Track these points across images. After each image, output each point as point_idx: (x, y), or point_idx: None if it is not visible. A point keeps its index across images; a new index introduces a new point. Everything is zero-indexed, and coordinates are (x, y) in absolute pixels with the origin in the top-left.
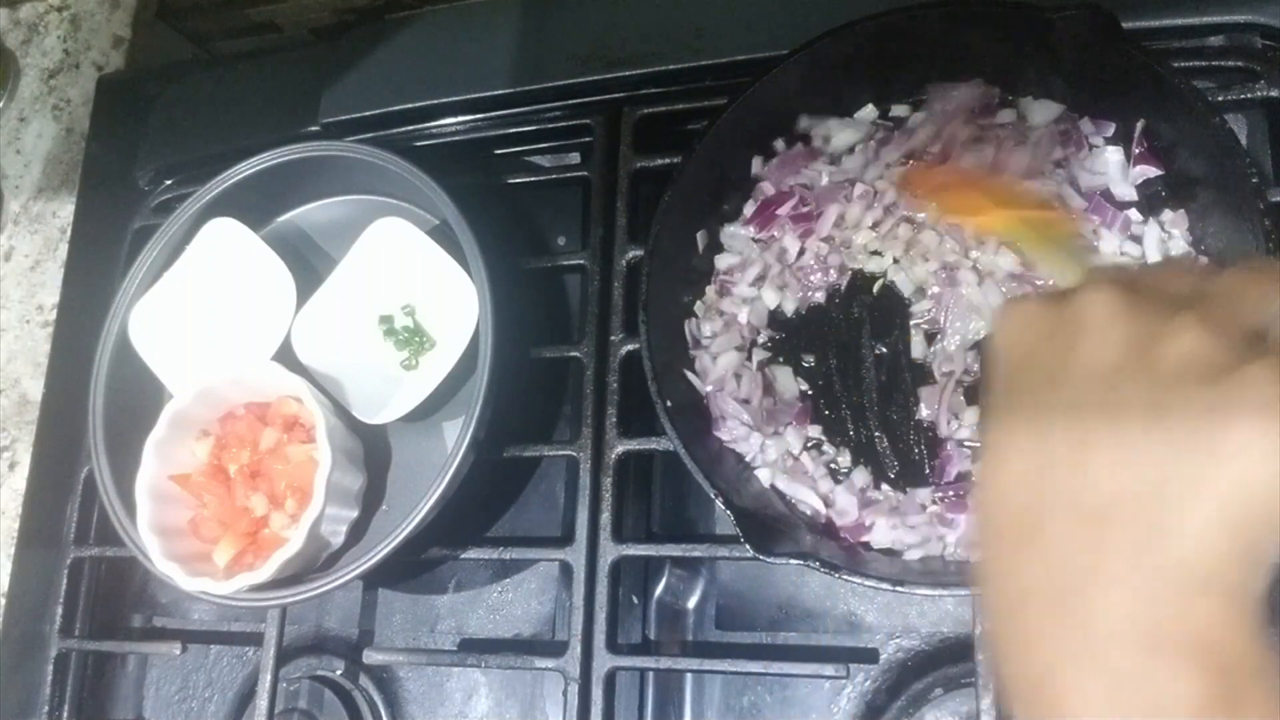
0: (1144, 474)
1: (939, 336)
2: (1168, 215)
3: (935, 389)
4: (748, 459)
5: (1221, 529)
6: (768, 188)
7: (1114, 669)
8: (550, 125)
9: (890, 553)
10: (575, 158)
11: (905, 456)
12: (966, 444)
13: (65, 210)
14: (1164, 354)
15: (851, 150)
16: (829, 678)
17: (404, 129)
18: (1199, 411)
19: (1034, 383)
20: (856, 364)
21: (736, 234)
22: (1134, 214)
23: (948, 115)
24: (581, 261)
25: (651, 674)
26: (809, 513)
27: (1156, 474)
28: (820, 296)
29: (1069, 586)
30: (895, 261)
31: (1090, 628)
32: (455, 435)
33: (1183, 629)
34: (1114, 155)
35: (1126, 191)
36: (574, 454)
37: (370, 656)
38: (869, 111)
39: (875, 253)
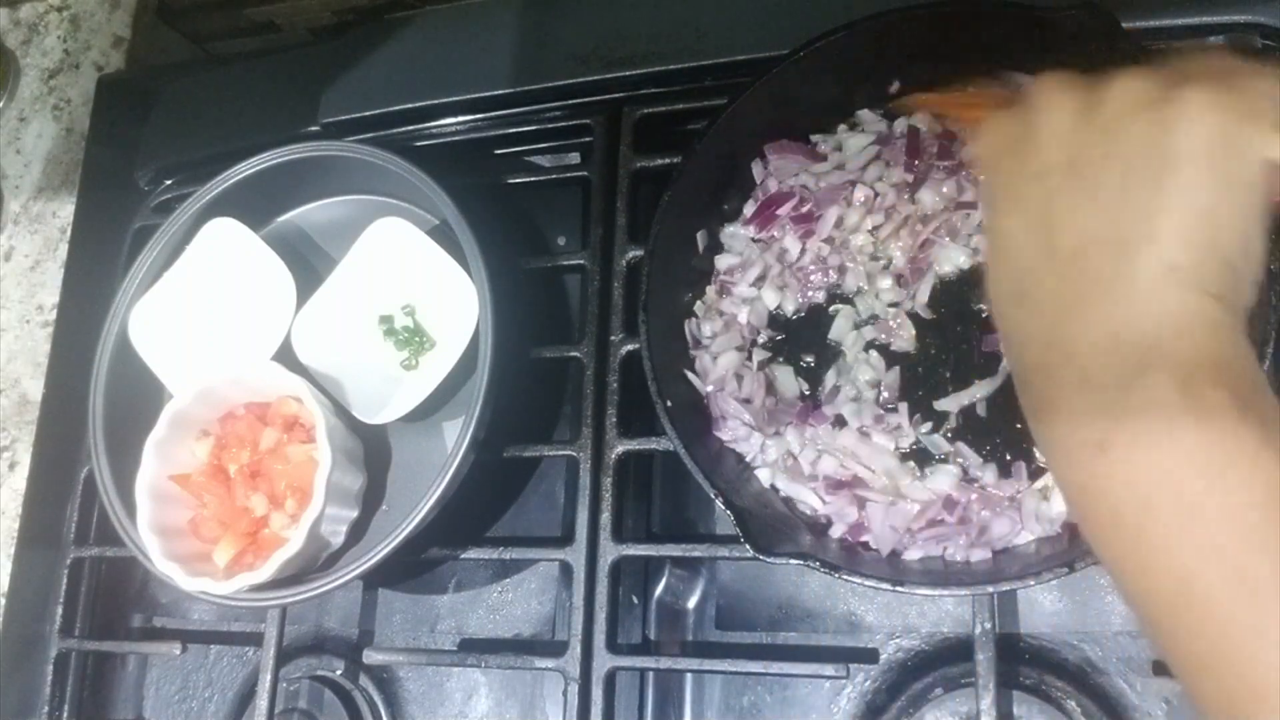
0: (1109, 201)
1: None
2: None
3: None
4: (748, 459)
5: (1188, 231)
6: (771, 183)
7: (1103, 387)
8: (550, 125)
9: (889, 553)
10: (575, 158)
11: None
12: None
13: (65, 210)
14: (1105, 99)
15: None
16: (829, 678)
17: (404, 129)
18: (1145, 133)
19: (1010, 168)
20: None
21: (736, 234)
22: None
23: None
24: (581, 261)
25: (651, 674)
26: (809, 513)
27: (1120, 198)
28: (820, 296)
29: (1055, 328)
30: (858, 291)
31: (1078, 356)
32: (455, 435)
33: (1173, 340)
34: None
35: None
36: (574, 454)
37: (370, 656)
38: (869, 115)
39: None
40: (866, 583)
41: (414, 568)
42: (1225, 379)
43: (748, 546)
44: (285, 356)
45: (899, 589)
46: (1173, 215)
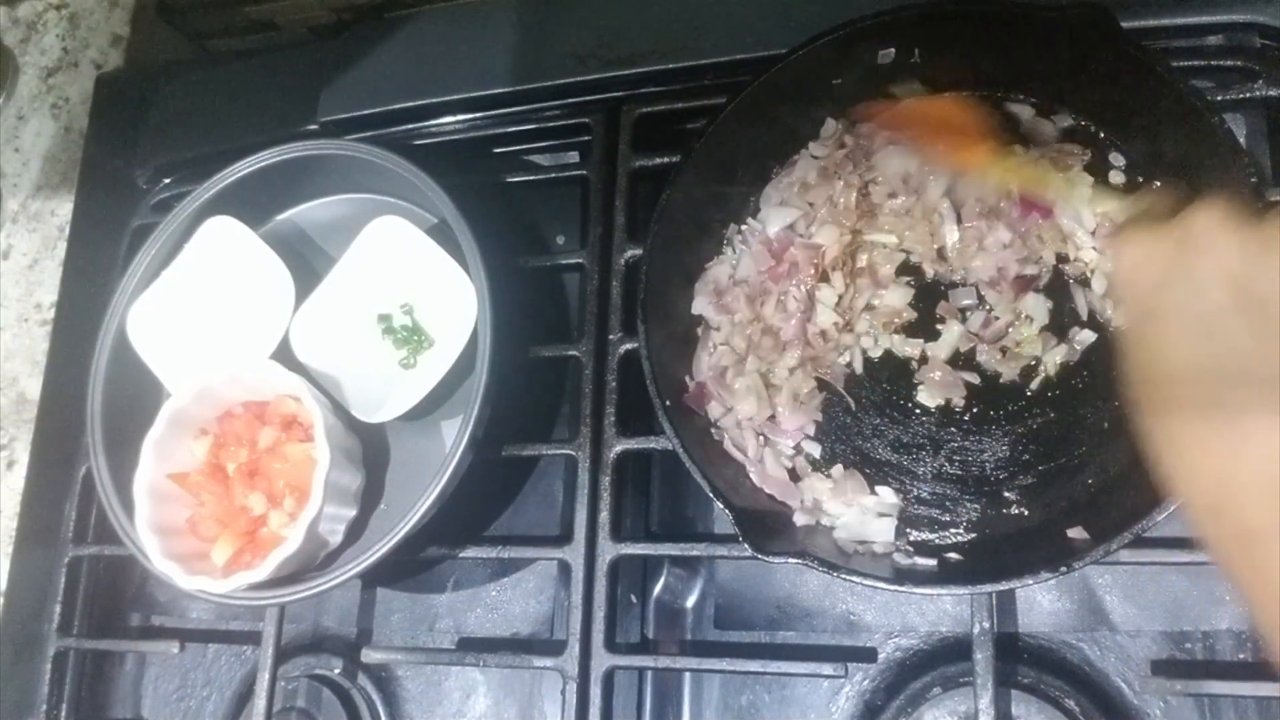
0: None
1: None
2: None
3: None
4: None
5: None
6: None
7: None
8: (549, 124)
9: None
10: (574, 156)
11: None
12: None
13: (64, 209)
14: (1271, 244)
15: None
16: (827, 677)
17: (402, 127)
18: None
19: (1173, 298)
20: None
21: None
22: None
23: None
24: (580, 260)
25: (650, 673)
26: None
27: None
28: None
29: (1243, 450)
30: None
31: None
32: (454, 434)
33: None
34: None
35: None
36: (572, 453)
37: (369, 655)
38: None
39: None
40: (865, 582)
41: (412, 567)
42: None
43: (746, 546)
44: (284, 355)
45: (898, 588)
46: None
